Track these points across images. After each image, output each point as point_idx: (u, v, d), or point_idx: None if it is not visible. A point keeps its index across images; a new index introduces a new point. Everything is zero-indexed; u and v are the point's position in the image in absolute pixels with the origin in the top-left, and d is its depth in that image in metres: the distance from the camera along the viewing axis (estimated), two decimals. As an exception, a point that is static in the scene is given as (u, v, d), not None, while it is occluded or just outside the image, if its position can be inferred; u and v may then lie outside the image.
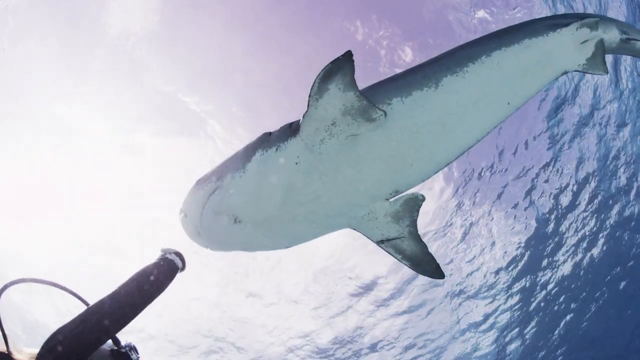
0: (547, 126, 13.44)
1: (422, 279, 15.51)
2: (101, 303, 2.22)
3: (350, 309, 16.57)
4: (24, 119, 12.04)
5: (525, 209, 15.09)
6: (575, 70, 3.22)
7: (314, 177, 2.88)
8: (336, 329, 16.98)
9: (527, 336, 18.37)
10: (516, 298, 17.13)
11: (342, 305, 16.49)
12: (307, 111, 2.70)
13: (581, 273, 16.85)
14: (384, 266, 15.43)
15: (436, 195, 14.57)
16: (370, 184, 2.97)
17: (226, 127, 12.66)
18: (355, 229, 3.25)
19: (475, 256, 15.97)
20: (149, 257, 2.66)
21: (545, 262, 16.42)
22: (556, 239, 15.87)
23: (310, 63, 12.28)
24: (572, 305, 17.76)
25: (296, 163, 2.85)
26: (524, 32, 3.05)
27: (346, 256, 15.46)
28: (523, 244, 15.86)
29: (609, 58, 11.41)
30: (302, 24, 12.75)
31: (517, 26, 3.18)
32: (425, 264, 3.31)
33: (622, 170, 14.42)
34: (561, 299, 17.51)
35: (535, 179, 14.43)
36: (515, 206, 15.00)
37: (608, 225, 15.78)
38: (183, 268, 2.72)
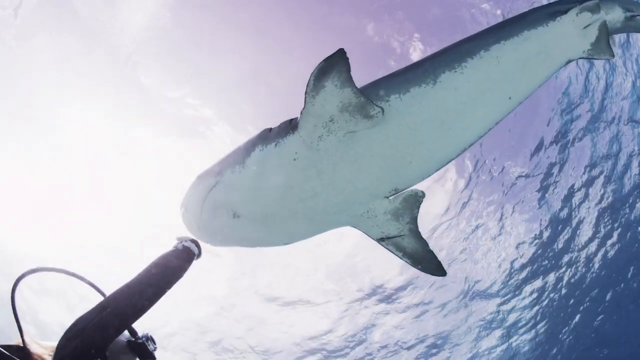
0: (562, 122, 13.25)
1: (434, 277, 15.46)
2: (119, 292, 2.25)
3: (364, 308, 16.53)
4: (25, 118, 12.15)
5: (539, 206, 14.92)
6: (580, 58, 3.10)
7: (312, 174, 2.88)
8: (348, 327, 16.98)
9: (539, 333, 18.22)
10: (529, 296, 17.01)
11: (356, 304, 16.46)
12: (304, 108, 2.70)
13: (595, 270, 16.66)
14: (397, 266, 15.38)
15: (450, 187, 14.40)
16: (368, 181, 2.96)
17: (238, 128, 12.73)
18: (355, 227, 3.24)
19: (487, 252, 15.85)
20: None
21: (557, 260, 16.27)
22: (569, 237, 15.70)
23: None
24: (585, 304, 17.58)
25: (294, 159, 2.85)
26: (522, 23, 2.97)
27: (362, 255, 15.43)
28: (534, 243, 15.71)
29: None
30: (311, 21, 12.73)
31: (515, 18, 3.10)
32: (427, 262, 3.28)
33: (634, 166, 14.23)
34: (575, 297, 17.34)
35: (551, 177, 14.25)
36: (526, 202, 14.84)
37: (623, 223, 15.58)
38: (199, 255, 2.76)
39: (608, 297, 17.69)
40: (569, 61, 3.09)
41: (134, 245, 13.60)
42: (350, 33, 12.90)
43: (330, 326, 16.82)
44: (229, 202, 3.03)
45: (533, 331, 18.15)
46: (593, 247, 16.07)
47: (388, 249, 3.29)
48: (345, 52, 2.52)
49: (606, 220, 15.47)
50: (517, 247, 15.77)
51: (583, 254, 16.21)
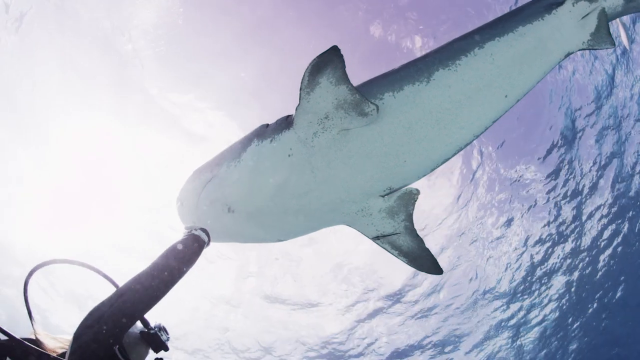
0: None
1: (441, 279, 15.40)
2: (133, 281, 2.28)
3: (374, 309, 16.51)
4: (32, 122, 12.26)
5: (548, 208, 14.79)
6: (580, 49, 3.00)
7: (306, 171, 2.87)
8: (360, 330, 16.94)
9: (548, 332, 18.10)
10: (538, 296, 16.89)
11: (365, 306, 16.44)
12: (299, 104, 2.70)
13: (604, 269, 16.51)
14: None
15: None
16: (362, 180, 2.94)
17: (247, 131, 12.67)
18: (349, 225, 3.22)
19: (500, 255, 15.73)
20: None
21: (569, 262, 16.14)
22: (576, 237, 15.55)
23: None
24: (595, 303, 17.43)
25: (289, 155, 2.86)
26: (517, 19, 2.91)
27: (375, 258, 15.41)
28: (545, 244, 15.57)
29: None
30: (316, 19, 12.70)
31: (511, 13, 3.03)
32: (423, 260, 3.25)
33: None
34: (584, 296, 17.21)
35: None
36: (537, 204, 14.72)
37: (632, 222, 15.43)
38: (208, 243, 2.80)
39: (617, 296, 17.52)
40: (568, 54, 3.00)
41: (144, 245, 13.67)
42: (355, 31, 12.84)
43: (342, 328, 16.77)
44: (224, 197, 3.04)
45: (541, 330, 18.02)
46: (602, 245, 15.89)
47: (383, 248, 3.27)
48: (339, 49, 2.51)
49: (616, 219, 15.31)
50: (525, 246, 15.64)
51: (592, 253, 16.05)
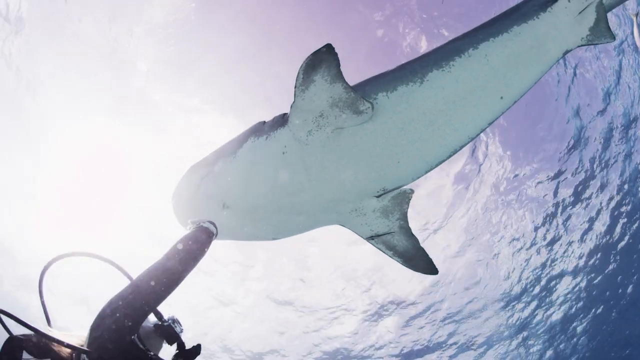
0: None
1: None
2: (147, 272, 2.33)
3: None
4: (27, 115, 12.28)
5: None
6: (579, 46, 2.93)
7: (300, 168, 2.87)
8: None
9: (557, 335, 17.92)
10: (548, 298, 16.73)
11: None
12: (294, 102, 2.70)
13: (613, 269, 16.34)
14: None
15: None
16: (355, 179, 2.93)
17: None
18: (343, 225, 3.20)
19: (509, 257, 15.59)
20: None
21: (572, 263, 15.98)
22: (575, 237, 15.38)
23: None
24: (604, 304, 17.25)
25: (283, 152, 2.85)
26: (511, 18, 2.86)
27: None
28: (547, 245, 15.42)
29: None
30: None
31: (506, 12, 2.98)
32: (418, 260, 3.23)
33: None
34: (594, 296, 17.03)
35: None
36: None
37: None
38: (216, 234, 2.84)
39: (627, 296, 17.32)
40: (566, 52, 2.93)
41: (148, 247, 13.72)
42: (363, 29, 12.77)
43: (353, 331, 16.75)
44: (219, 192, 3.04)
45: (551, 331, 17.86)
46: (611, 243, 15.70)
47: (378, 248, 3.24)
48: (333, 47, 2.51)
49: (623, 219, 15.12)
50: (532, 249, 15.50)
51: (602, 252, 15.87)
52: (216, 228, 2.82)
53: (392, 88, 2.74)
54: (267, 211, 3.04)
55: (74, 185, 13.29)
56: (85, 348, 2.03)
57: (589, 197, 14.44)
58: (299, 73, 2.56)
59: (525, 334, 17.73)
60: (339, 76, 2.57)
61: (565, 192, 14.29)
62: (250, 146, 2.93)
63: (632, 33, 11.03)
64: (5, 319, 2.03)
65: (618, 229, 15.43)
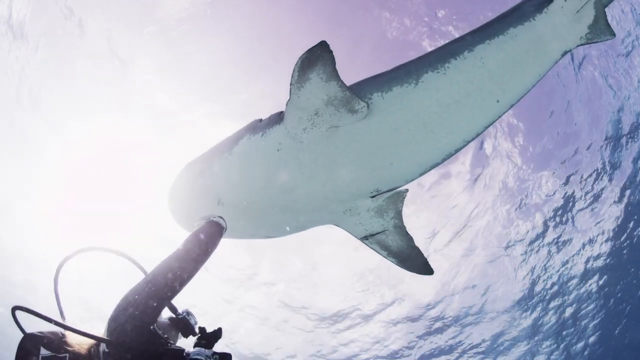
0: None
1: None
2: (162, 266, 2.40)
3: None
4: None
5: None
6: (578, 46, 2.85)
7: (294, 166, 2.87)
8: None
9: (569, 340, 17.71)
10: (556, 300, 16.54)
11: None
12: (289, 99, 2.70)
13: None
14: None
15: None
16: (348, 179, 2.92)
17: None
18: (337, 225, 3.19)
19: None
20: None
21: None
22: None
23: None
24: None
25: (278, 150, 2.85)
26: (507, 21, 2.81)
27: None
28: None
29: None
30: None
31: (503, 14, 2.93)
32: (413, 259, 3.20)
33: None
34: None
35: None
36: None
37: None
38: (226, 228, 2.93)
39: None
40: (565, 53, 2.87)
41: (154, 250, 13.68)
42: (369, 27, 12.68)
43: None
44: (214, 189, 3.05)
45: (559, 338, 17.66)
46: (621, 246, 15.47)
47: (372, 248, 3.23)
48: (327, 45, 2.50)
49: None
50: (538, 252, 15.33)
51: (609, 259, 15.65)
52: (225, 222, 2.88)
53: (387, 88, 2.73)
54: (260, 208, 3.04)
55: (72, 190, 13.33)
56: (108, 338, 2.09)
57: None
58: (294, 70, 2.56)
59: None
60: (334, 74, 2.56)
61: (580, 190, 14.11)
62: (245, 143, 2.94)
63: None
64: (21, 316, 2.11)
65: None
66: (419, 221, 13.83)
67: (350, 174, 2.89)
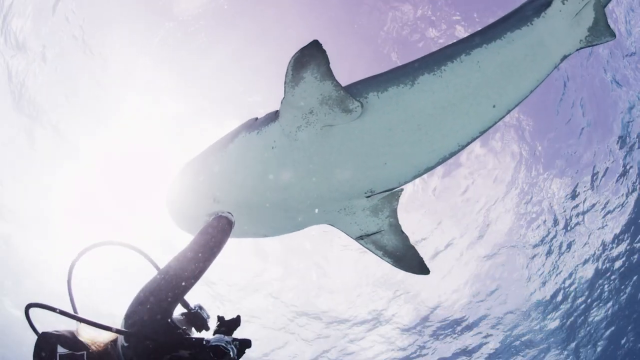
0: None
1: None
2: (175, 261, 2.46)
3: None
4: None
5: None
6: (578, 49, 2.80)
7: (288, 164, 2.88)
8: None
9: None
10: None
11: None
12: (284, 98, 2.71)
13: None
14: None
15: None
16: (342, 178, 2.92)
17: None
18: (332, 225, 3.19)
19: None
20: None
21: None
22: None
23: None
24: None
25: (272, 148, 2.86)
26: (505, 25, 2.77)
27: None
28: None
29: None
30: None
31: (502, 18, 2.90)
32: (409, 259, 3.18)
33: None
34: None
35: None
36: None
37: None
38: (234, 223, 2.97)
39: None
40: (565, 57, 2.82)
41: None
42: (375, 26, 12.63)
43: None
44: (210, 187, 3.07)
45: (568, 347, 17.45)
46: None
47: (367, 248, 3.22)
48: (320, 44, 2.51)
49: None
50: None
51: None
52: (233, 217, 2.92)
53: (383, 88, 2.73)
54: (255, 207, 3.05)
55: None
56: (128, 330, 2.11)
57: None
58: (287, 69, 2.57)
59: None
60: (328, 73, 2.56)
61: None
62: (241, 141, 2.96)
63: None
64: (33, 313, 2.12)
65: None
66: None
67: (344, 173, 2.89)
